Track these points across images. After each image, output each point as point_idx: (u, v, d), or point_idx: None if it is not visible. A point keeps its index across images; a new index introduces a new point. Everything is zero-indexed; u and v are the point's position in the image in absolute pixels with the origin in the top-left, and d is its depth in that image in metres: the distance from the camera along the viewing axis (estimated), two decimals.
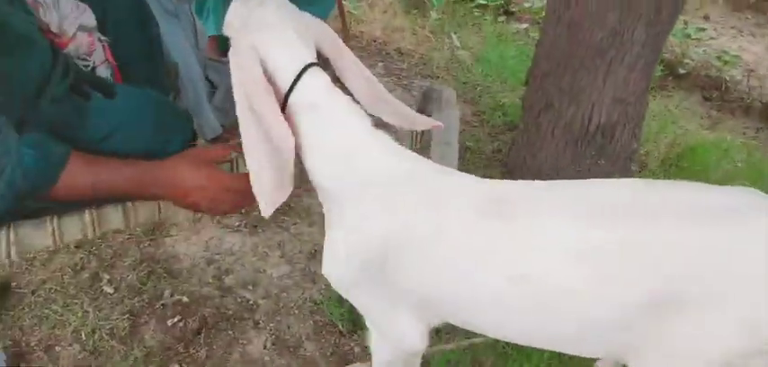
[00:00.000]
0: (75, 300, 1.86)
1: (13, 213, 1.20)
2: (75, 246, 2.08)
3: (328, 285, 1.89)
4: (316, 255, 2.07)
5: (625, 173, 2.17)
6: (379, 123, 1.10)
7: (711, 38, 4.16)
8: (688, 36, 4.05)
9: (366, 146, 1.04)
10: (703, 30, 4.20)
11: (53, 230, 1.22)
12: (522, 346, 1.59)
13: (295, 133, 1.03)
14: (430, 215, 1.00)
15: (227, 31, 1.09)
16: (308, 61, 1.03)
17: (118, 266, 2.00)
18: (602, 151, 2.12)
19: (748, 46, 4.08)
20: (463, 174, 1.08)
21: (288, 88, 1.02)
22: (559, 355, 1.56)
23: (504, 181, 1.07)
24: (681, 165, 2.67)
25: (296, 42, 1.04)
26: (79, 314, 1.81)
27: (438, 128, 1.18)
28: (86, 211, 1.24)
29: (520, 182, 1.06)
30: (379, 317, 1.15)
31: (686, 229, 0.91)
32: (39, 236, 1.21)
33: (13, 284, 1.94)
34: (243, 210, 2.23)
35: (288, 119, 1.03)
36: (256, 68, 1.00)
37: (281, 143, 0.99)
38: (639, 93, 2.06)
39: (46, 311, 1.83)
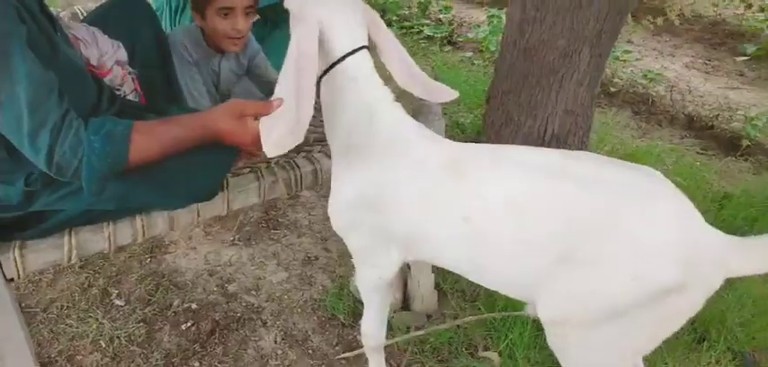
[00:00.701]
0: (89, 314, 1.99)
1: (74, 220, 1.37)
2: (80, 267, 2.21)
3: (326, 285, 2.11)
4: (309, 261, 2.27)
5: None
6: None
7: (637, 59, 4.62)
8: (617, 58, 4.49)
9: (382, 118, 1.29)
10: (629, 52, 4.66)
11: (109, 234, 1.39)
12: (505, 321, 1.85)
13: (331, 93, 1.29)
14: (411, 174, 1.28)
15: (288, 4, 1.28)
16: (361, 43, 1.27)
17: (124, 282, 2.14)
18: None
19: (669, 65, 4.56)
20: (444, 140, 1.35)
21: (338, 58, 1.25)
22: (537, 325, 1.81)
23: (466, 145, 1.34)
24: None
25: (354, 22, 1.27)
26: (94, 326, 1.94)
27: (453, 97, 1.38)
28: (137, 217, 1.42)
29: (476, 145, 1.35)
30: (367, 252, 1.44)
31: (590, 194, 1.15)
32: (96, 240, 1.39)
33: (22, 305, 2.04)
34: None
35: (330, 78, 1.27)
36: (313, 42, 1.20)
37: (305, 106, 1.18)
38: (586, 105, 2.38)
39: (61, 326, 1.95)
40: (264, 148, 1.19)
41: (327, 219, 1.45)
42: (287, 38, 1.24)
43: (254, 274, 2.20)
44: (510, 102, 2.44)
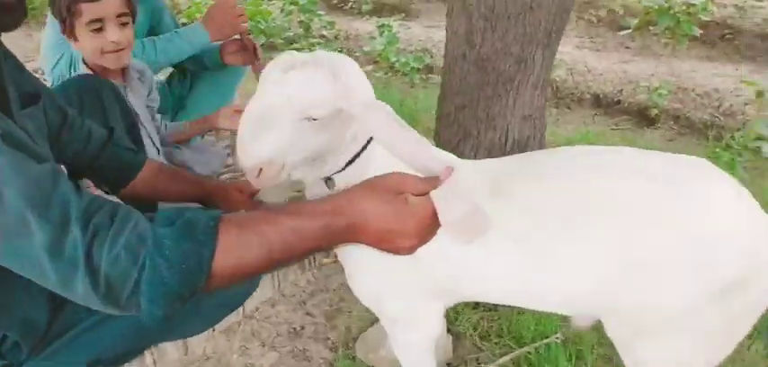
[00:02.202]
0: None
1: None
2: None
3: (326, 357, 1.91)
4: (296, 333, 2.04)
5: None
6: None
7: None
8: None
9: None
10: None
11: None
12: (538, 352, 1.76)
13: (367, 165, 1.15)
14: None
15: (307, 109, 1.04)
16: None
17: None
18: None
19: (560, 48, 4.75)
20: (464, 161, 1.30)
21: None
22: (578, 353, 1.75)
23: (490, 161, 1.34)
24: None
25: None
26: None
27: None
28: (147, 354, 1.17)
29: (502, 159, 1.33)
30: (408, 314, 1.31)
31: (640, 188, 1.10)
32: None
33: None
34: None
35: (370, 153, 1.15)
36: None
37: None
38: (542, 107, 2.36)
39: None
40: (447, 229, 0.87)
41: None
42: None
43: (240, 364, 1.94)
44: (466, 117, 2.37)
